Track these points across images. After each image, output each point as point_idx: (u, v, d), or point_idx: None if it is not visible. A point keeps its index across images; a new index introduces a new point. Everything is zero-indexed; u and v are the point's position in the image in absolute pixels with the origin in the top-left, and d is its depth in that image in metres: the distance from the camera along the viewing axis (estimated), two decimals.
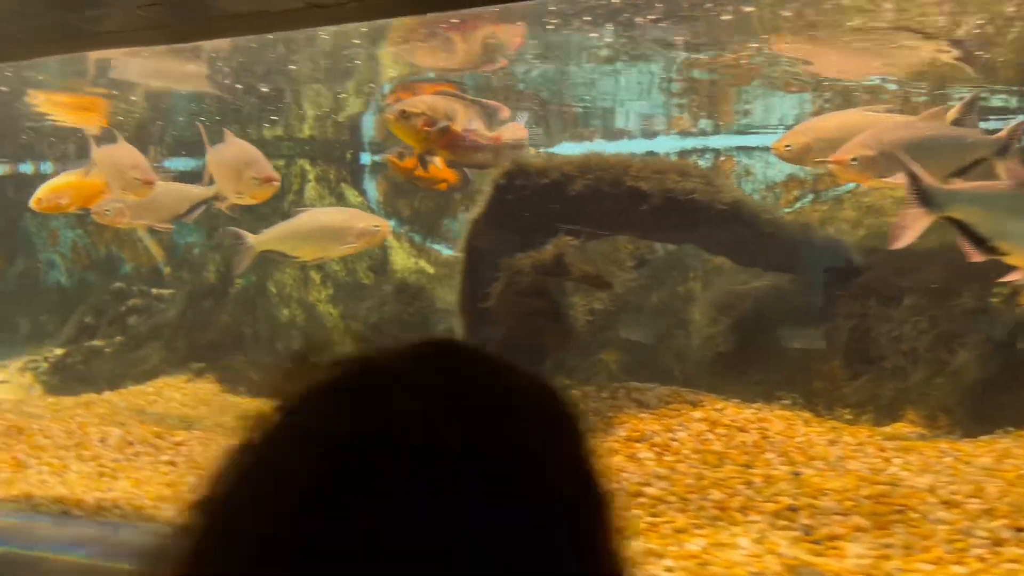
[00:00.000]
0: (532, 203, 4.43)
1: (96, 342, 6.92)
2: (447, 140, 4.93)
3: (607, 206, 4.40)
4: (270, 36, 7.33)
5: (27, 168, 8.80)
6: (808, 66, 6.98)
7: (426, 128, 4.89)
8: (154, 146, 8.27)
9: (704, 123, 7.71)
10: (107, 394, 6.02)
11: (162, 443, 4.47)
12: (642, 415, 4.40)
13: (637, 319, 5.81)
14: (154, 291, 7.43)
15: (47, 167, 8.61)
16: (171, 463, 4.27)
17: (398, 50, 5.92)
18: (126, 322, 7.10)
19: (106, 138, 8.25)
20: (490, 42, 5.39)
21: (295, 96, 7.64)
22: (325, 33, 7.40)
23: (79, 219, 8.42)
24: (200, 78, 7.77)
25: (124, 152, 4.79)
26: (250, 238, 4.77)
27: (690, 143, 7.61)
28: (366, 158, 8.29)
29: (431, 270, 7.55)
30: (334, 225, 4.78)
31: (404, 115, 4.83)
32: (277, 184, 4.44)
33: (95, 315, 7.23)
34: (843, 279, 5.08)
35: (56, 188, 6.59)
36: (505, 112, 4.98)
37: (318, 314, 6.68)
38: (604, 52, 5.89)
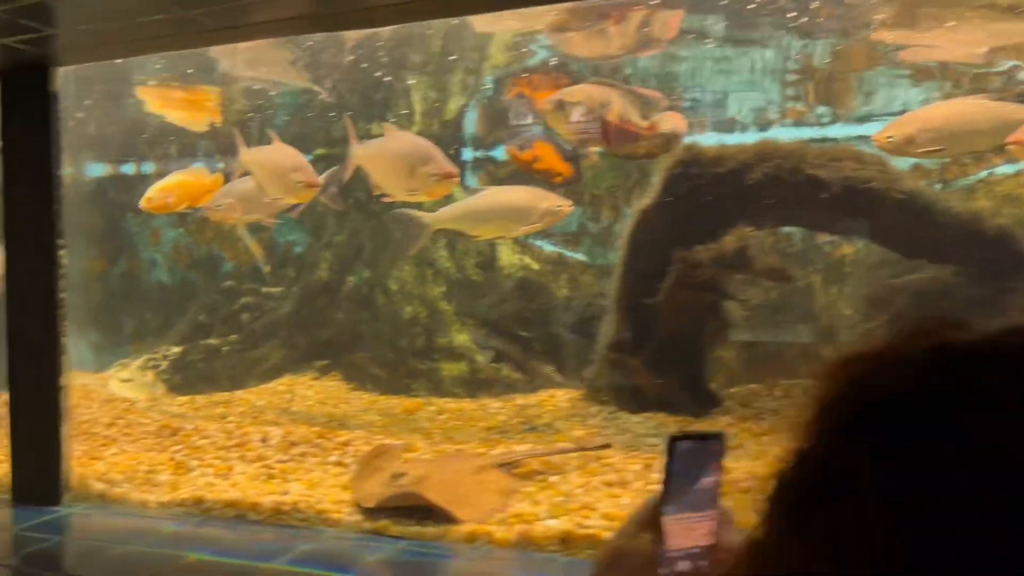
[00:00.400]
0: (707, 193, 4.25)
1: (212, 340, 6.87)
2: (602, 130, 4.79)
3: (785, 195, 4.20)
4: (372, 30, 7.27)
5: (129, 169, 8.80)
6: (922, 50, 6.74)
7: (583, 118, 4.75)
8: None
9: (822, 111, 7.47)
10: (239, 393, 5.94)
11: (327, 443, 4.35)
12: None
13: (774, 316, 5.60)
14: (264, 289, 7.37)
15: (148, 167, 8.59)
16: (340, 464, 4.15)
17: (555, 39, 5.77)
18: (239, 320, 7.05)
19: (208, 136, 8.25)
20: (645, 29, 5.22)
21: (404, 91, 7.53)
22: (431, 27, 7.31)
23: (181, 218, 8.41)
24: (303, 74, 7.70)
25: (283, 154, 4.61)
26: (426, 217, 4.62)
27: (808, 132, 7.39)
28: (468, 153, 8.17)
29: (536, 266, 7.42)
30: (518, 204, 4.60)
31: (561, 105, 4.70)
32: (458, 179, 4.23)
33: (208, 313, 7.19)
34: (1014, 271, 4.85)
35: (165, 188, 6.57)
36: (663, 101, 4.81)
37: (440, 311, 6.57)
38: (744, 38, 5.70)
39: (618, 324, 4.83)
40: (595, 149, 4.81)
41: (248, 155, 4.77)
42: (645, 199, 4.52)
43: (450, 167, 4.17)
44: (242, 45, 7.33)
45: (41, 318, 4.20)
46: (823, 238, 6.19)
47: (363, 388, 5.99)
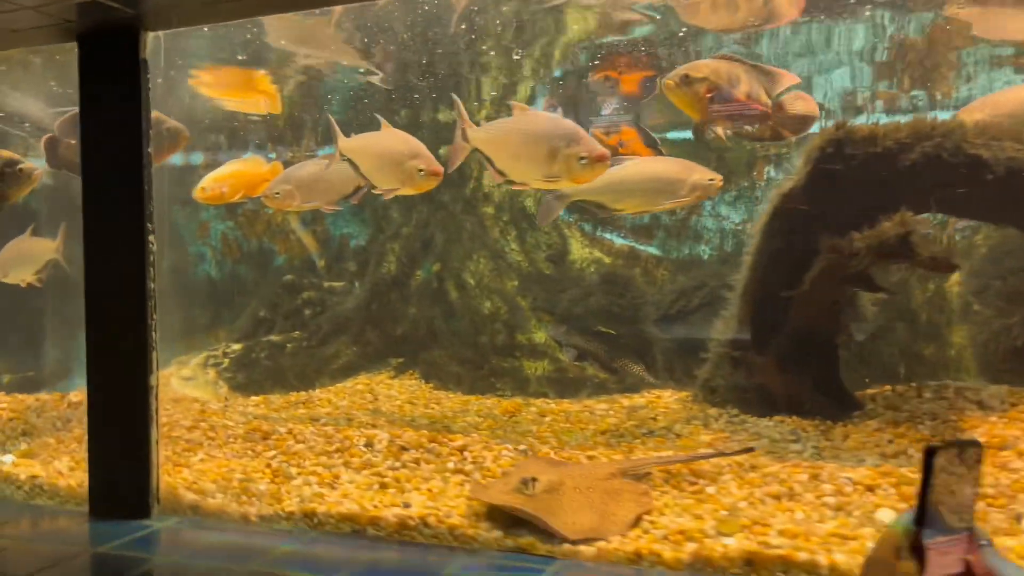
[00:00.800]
0: (860, 175, 3.87)
1: (274, 337, 6.50)
2: (728, 109, 4.41)
3: (946, 178, 3.82)
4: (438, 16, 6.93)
5: (176, 159, 8.43)
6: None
7: (708, 95, 4.37)
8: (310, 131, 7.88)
9: (917, 96, 7.08)
10: (316, 392, 5.57)
11: (441, 448, 3.97)
12: (991, 419, 3.81)
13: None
14: (326, 284, 7.01)
15: (198, 158, 8.23)
16: (460, 471, 3.77)
17: (686, 10, 5.38)
18: (301, 316, 6.69)
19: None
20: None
21: (474, 77, 7.16)
22: (501, 16, 6.98)
23: (230, 211, 8.08)
24: (365, 60, 7.35)
25: (396, 140, 4.13)
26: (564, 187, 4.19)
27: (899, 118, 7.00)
28: None
29: (607, 260, 7.07)
30: (667, 176, 4.19)
31: (686, 80, 4.31)
32: (609, 163, 3.75)
33: (268, 309, 6.82)
34: None
35: (219, 178, 6.26)
36: (792, 80, 4.43)
37: (518, 306, 6.19)
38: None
39: (742, 319, 4.44)
40: (721, 130, 4.42)
41: (350, 143, 4.31)
42: (787, 182, 4.13)
43: (602, 149, 3.65)
44: (298, 27, 6.99)
45: (128, 310, 3.82)
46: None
47: (445, 387, 5.62)
